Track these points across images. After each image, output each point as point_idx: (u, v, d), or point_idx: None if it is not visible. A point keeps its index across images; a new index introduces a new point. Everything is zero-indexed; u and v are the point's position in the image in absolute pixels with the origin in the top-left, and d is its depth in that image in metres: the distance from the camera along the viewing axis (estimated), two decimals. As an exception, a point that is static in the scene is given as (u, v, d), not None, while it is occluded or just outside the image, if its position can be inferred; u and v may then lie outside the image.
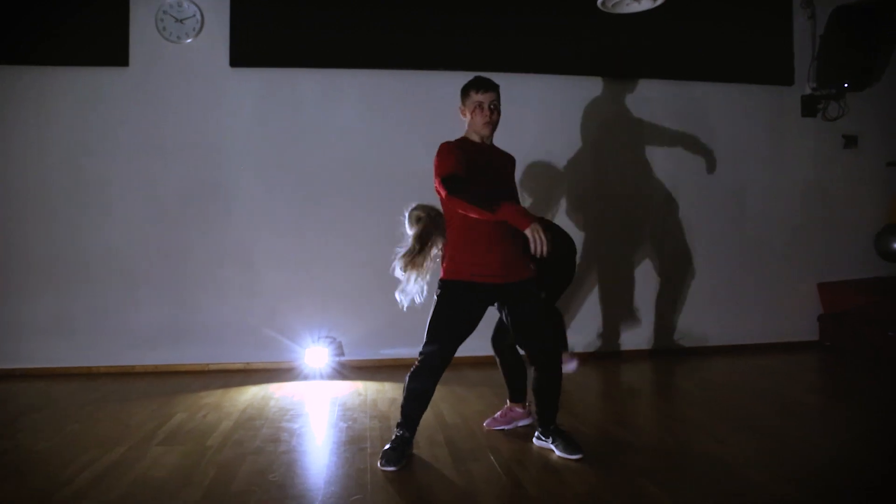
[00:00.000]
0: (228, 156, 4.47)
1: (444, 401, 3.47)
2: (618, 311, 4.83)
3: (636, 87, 4.84)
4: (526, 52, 4.66)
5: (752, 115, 5.02)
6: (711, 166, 4.90)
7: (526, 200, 4.46)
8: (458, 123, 2.77)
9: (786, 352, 4.81)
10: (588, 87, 4.79)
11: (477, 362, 3.86)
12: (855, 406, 3.53)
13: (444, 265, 2.67)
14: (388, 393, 3.75)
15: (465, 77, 2.73)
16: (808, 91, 5.05)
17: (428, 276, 2.78)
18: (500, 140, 2.81)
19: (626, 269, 4.87)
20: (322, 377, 4.20)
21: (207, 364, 4.40)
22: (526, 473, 2.49)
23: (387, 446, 2.60)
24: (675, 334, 4.91)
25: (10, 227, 4.29)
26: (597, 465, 2.53)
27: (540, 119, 4.69)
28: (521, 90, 4.50)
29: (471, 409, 3.36)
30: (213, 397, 3.67)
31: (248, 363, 4.43)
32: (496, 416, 3.09)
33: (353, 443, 2.86)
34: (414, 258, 2.73)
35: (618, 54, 4.75)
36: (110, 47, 4.32)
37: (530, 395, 2.95)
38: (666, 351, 4.84)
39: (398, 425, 2.66)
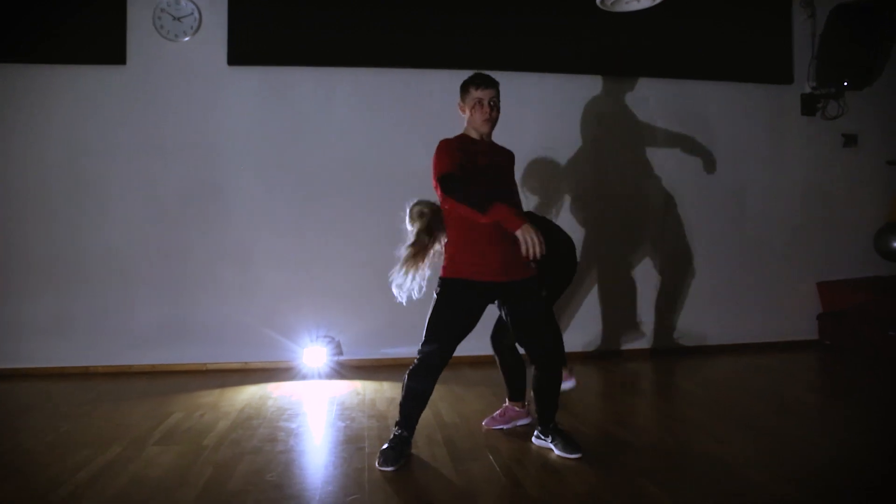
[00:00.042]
0: (227, 155, 4.45)
1: (442, 400, 3.46)
2: (618, 311, 4.82)
3: (636, 85, 4.83)
4: (526, 52, 4.65)
5: (752, 114, 5.02)
6: (711, 166, 4.90)
7: (526, 199, 4.45)
8: (458, 123, 2.75)
9: (785, 351, 4.81)
10: (588, 86, 4.78)
11: (476, 361, 3.85)
12: (854, 405, 3.53)
13: (445, 264, 2.66)
14: (387, 392, 3.74)
15: (465, 76, 2.72)
16: (807, 90, 5.04)
17: (428, 272, 2.75)
18: (501, 139, 2.80)
19: (626, 269, 4.86)
20: (320, 377, 4.19)
21: (205, 364, 4.39)
22: (525, 473, 2.49)
23: (385, 446, 2.59)
24: (675, 334, 4.90)
25: (9, 227, 4.28)
26: (597, 465, 2.52)
27: (540, 118, 4.68)
28: (521, 89, 4.50)
29: (470, 409, 3.35)
30: (210, 397, 3.67)
31: (246, 363, 4.42)
32: (495, 415, 3.08)
33: (351, 442, 2.85)
34: (421, 251, 2.70)
35: (617, 53, 4.74)
36: (108, 45, 4.29)
37: (529, 395, 2.95)
38: (666, 350, 4.83)
39: (396, 424, 2.66)
